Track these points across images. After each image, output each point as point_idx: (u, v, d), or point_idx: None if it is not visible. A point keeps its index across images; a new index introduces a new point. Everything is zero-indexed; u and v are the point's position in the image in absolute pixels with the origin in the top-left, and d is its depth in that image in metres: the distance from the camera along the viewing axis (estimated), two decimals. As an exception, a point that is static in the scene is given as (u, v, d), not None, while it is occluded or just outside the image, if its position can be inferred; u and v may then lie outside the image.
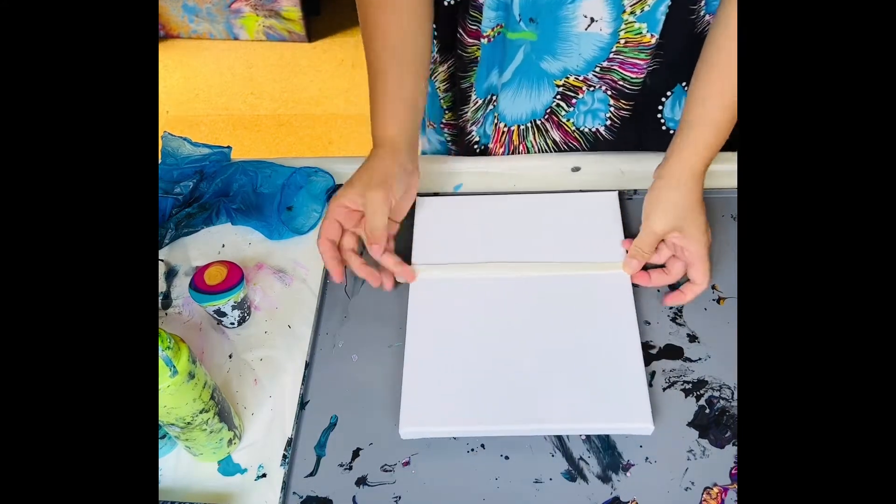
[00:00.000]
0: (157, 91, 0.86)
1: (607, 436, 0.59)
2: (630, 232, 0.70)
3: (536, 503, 0.56)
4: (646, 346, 0.63)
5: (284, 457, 0.59)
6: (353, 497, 0.57)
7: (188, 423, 0.53)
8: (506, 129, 0.81)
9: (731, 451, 0.58)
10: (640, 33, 0.70)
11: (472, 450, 0.59)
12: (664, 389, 0.61)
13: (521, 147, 0.83)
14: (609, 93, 0.76)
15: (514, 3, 0.69)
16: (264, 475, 0.59)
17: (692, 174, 0.64)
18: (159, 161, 0.81)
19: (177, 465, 0.60)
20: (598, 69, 0.74)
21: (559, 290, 0.65)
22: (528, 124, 0.80)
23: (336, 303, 0.69)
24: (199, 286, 0.64)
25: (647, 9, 0.68)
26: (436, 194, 0.77)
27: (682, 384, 0.62)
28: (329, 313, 0.68)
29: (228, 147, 0.82)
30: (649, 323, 0.65)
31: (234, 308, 0.66)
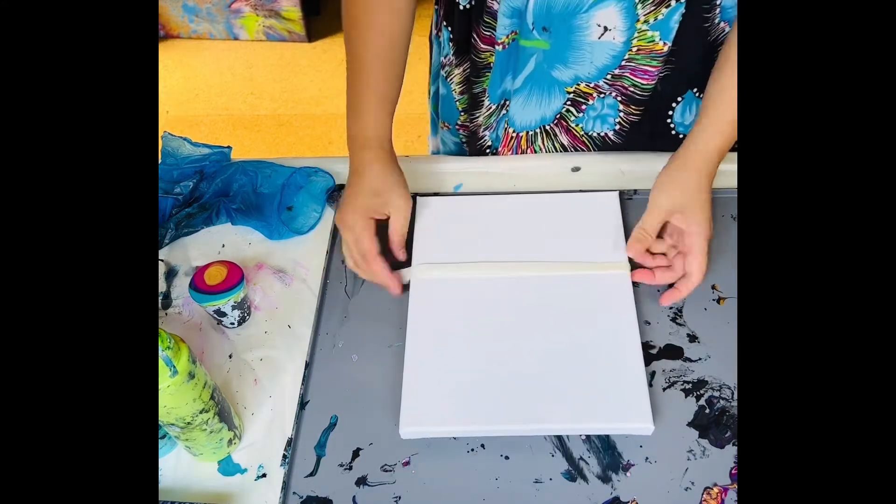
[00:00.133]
0: (157, 91, 0.86)
1: (607, 436, 0.59)
2: (630, 232, 0.70)
3: (536, 503, 0.56)
4: (646, 346, 0.63)
5: (284, 457, 0.59)
6: (353, 497, 0.57)
7: (188, 423, 0.53)
8: (515, 135, 0.81)
9: (731, 451, 0.58)
10: (653, 41, 0.70)
11: (472, 450, 0.59)
12: (664, 389, 0.61)
13: (528, 151, 0.83)
14: (619, 99, 0.76)
15: (527, 11, 0.69)
16: (264, 475, 0.59)
17: (704, 159, 0.65)
18: (159, 161, 0.81)
19: (177, 465, 0.60)
20: (609, 76, 0.74)
21: (559, 290, 0.65)
22: (537, 130, 0.81)
23: (336, 303, 0.69)
24: (199, 286, 0.64)
25: (661, 17, 0.68)
26: (436, 194, 0.77)
27: (682, 384, 0.62)
28: (329, 313, 0.68)
29: (228, 147, 0.82)
30: (649, 323, 0.65)
31: (234, 308, 0.66)
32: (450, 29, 0.79)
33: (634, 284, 0.66)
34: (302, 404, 0.62)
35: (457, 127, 0.89)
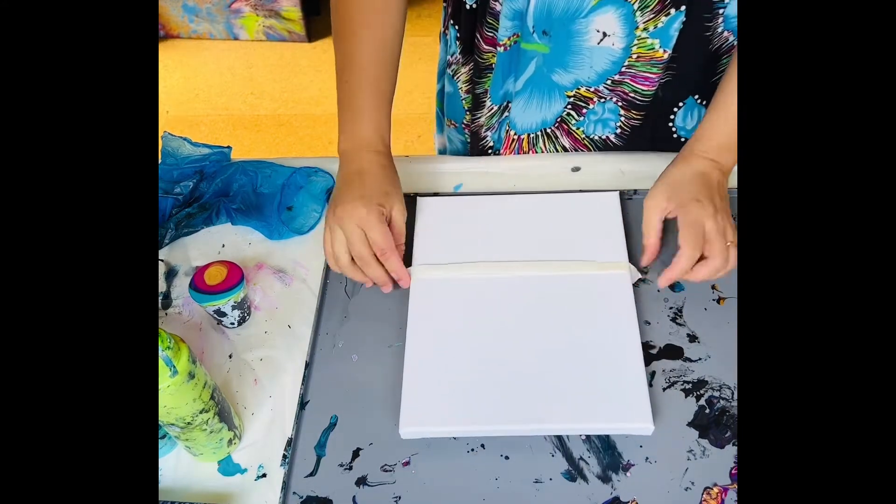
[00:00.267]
0: (157, 91, 0.86)
1: (607, 436, 0.59)
2: (630, 232, 0.70)
3: (536, 503, 0.56)
4: (646, 346, 0.63)
5: (284, 457, 0.59)
6: (353, 497, 0.57)
7: (188, 423, 0.53)
8: (516, 137, 0.81)
9: (731, 451, 0.58)
10: (653, 49, 0.69)
11: (472, 450, 0.59)
12: (664, 389, 0.61)
13: (530, 153, 0.83)
14: (620, 104, 0.76)
15: (528, 14, 0.69)
16: (264, 475, 0.59)
17: (698, 155, 0.65)
18: (159, 161, 0.81)
19: (177, 465, 0.60)
20: (609, 82, 0.74)
21: (559, 290, 0.65)
22: (539, 132, 0.81)
23: (336, 303, 0.69)
24: (199, 286, 0.64)
25: (660, 25, 0.67)
26: (436, 194, 0.77)
27: (682, 384, 0.62)
28: (329, 313, 0.68)
29: (228, 147, 0.82)
30: (649, 323, 0.65)
31: (234, 308, 0.66)
32: (457, 27, 0.79)
33: (634, 285, 0.66)
34: (302, 404, 0.62)
35: (463, 126, 0.89)
